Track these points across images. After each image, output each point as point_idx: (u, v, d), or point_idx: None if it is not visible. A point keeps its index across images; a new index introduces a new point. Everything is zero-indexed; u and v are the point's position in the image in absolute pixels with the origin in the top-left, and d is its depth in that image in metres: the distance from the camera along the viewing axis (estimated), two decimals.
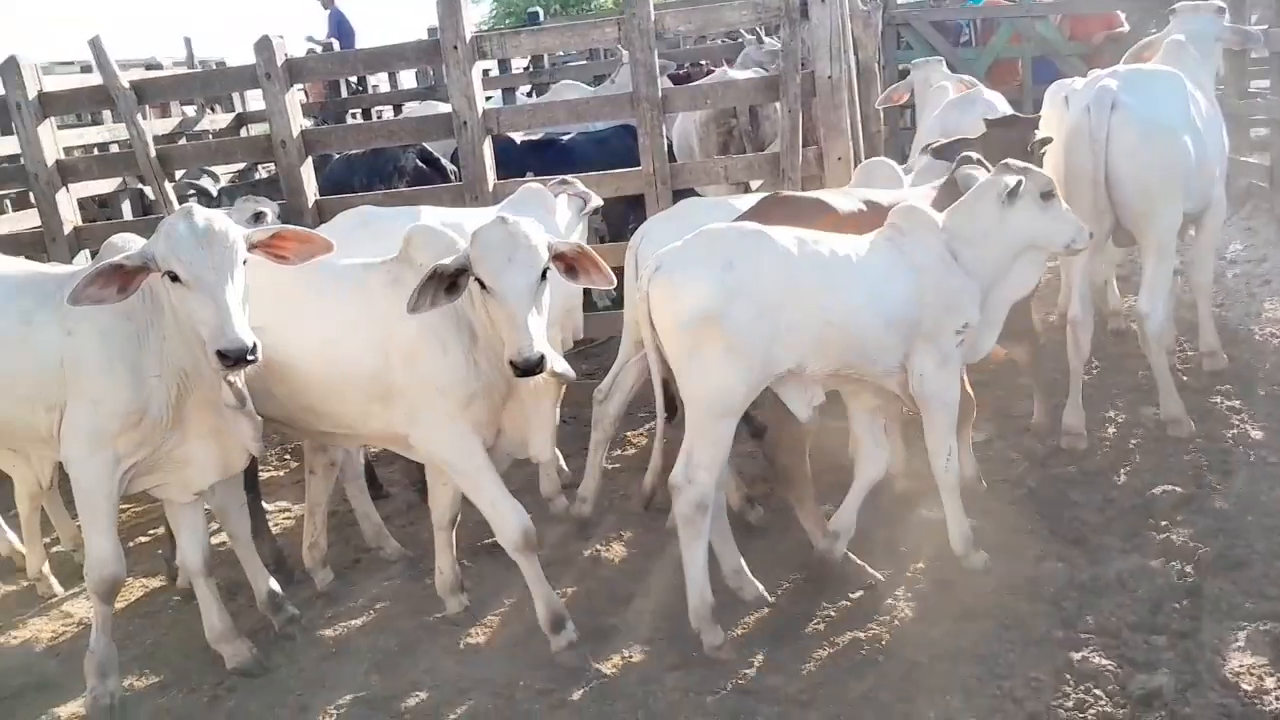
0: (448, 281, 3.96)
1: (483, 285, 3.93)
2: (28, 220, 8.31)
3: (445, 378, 4.20)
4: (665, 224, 5.34)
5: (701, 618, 4.30)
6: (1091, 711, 3.76)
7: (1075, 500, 5.16)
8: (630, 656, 4.40)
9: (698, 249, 4.19)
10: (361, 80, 13.08)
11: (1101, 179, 5.36)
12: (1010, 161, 4.50)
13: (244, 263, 3.84)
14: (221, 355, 3.66)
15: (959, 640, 4.23)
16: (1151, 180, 5.42)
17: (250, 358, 3.68)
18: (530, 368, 3.79)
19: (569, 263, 4.12)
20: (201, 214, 3.83)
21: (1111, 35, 10.75)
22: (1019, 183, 4.35)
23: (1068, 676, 3.93)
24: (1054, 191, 4.43)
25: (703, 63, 12.65)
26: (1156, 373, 5.73)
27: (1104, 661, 3.98)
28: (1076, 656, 4.03)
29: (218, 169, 8.94)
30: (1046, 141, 5.38)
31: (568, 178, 6.04)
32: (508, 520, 4.29)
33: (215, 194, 8.00)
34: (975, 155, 4.90)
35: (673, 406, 4.34)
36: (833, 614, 4.52)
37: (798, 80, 6.34)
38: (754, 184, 6.98)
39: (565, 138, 8.63)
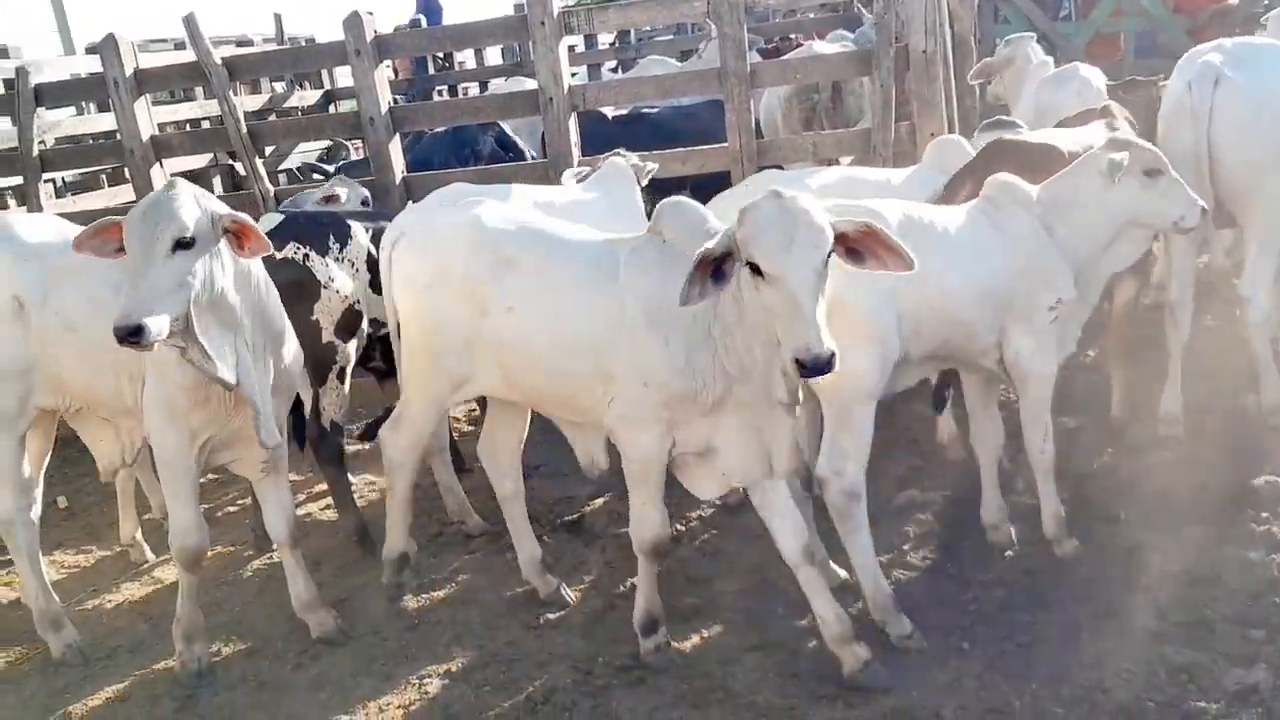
0: (712, 267, 3.47)
1: (755, 270, 3.39)
2: (122, 195, 8.56)
3: (656, 373, 3.85)
4: (738, 198, 5.24)
5: (882, 608, 4.19)
6: (1184, 705, 3.66)
7: (1170, 489, 5.00)
8: (709, 637, 4.38)
9: None
10: (448, 57, 13.13)
11: (1204, 155, 5.19)
12: (1115, 137, 4.37)
13: (181, 245, 3.60)
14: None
15: (1046, 629, 4.15)
16: (1259, 155, 5.22)
17: (133, 339, 3.44)
18: (820, 366, 3.21)
19: (850, 245, 3.52)
20: (174, 188, 3.70)
21: (1220, 9, 10.39)
22: (1121, 159, 4.22)
23: (1159, 669, 3.83)
24: (1160, 168, 4.29)
25: (793, 37, 12.49)
26: (1257, 360, 5.54)
27: (1198, 655, 3.87)
28: (1169, 649, 3.93)
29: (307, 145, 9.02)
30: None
31: (621, 151, 5.93)
32: (648, 526, 4.13)
33: (332, 172, 8.10)
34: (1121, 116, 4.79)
35: None
36: (917, 599, 4.45)
37: (891, 54, 6.22)
38: (843, 159, 6.86)
39: (654, 112, 8.55)
